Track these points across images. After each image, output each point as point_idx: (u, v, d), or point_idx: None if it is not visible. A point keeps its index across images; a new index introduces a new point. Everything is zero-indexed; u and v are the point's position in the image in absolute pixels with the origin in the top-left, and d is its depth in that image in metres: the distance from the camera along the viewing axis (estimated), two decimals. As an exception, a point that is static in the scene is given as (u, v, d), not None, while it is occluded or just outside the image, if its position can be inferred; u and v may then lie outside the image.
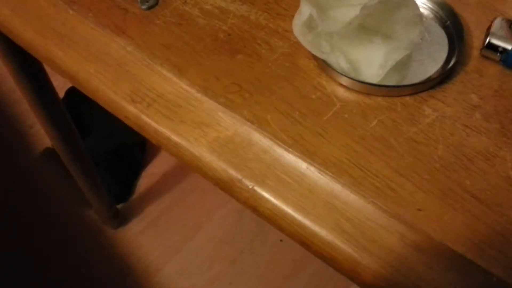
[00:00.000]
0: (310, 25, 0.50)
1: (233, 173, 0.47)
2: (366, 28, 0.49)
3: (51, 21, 0.56)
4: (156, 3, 0.56)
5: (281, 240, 1.23)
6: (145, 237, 1.26)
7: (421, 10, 0.52)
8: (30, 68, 0.83)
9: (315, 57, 0.50)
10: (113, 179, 1.26)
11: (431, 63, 0.49)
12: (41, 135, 1.42)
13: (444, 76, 0.48)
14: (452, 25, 0.51)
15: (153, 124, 0.50)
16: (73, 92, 1.38)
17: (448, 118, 0.46)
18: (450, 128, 0.46)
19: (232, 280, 1.19)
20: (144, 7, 0.55)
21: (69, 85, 1.44)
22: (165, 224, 1.27)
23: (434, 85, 0.48)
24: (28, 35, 0.56)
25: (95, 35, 0.54)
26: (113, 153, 1.28)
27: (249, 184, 0.46)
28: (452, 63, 0.48)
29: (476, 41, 0.53)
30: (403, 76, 0.49)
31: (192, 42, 0.53)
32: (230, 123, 0.48)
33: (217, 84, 0.50)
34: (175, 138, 0.49)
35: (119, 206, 1.27)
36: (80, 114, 1.30)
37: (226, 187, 0.48)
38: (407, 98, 0.48)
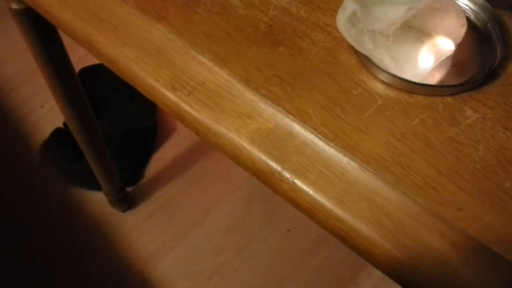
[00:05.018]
0: (353, 21, 0.50)
1: (273, 164, 0.47)
2: (410, 27, 0.49)
3: (90, 4, 0.56)
4: (197, -9, 0.56)
5: (288, 230, 1.24)
6: (153, 221, 1.26)
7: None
8: (49, 42, 0.82)
9: (356, 53, 0.51)
10: (123, 162, 1.27)
11: (471, 65, 0.50)
12: (52, 115, 1.42)
13: (485, 78, 0.48)
14: (493, 27, 0.51)
15: (193, 112, 0.50)
16: (85, 74, 1.38)
17: (489, 120, 0.47)
18: (491, 130, 0.46)
19: (238, 268, 1.20)
20: (184, -6, 0.55)
21: (80, 66, 1.43)
22: (174, 209, 1.28)
23: (475, 86, 0.48)
24: (66, 16, 0.56)
25: (136, 21, 0.54)
26: (125, 137, 1.28)
27: (289, 176, 0.46)
28: (493, 65, 0.48)
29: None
30: (444, 76, 0.49)
31: (233, 32, 0.53)
32: (271, 115, 0.49)
33: (258, 75, 0.50)
34: (215, 127, 0.49)
35: (128, 189, 1.28)
36: (92, 97, 1.30)
37: (265, 178, 0.48)
38: (448, 98, 0.48)
